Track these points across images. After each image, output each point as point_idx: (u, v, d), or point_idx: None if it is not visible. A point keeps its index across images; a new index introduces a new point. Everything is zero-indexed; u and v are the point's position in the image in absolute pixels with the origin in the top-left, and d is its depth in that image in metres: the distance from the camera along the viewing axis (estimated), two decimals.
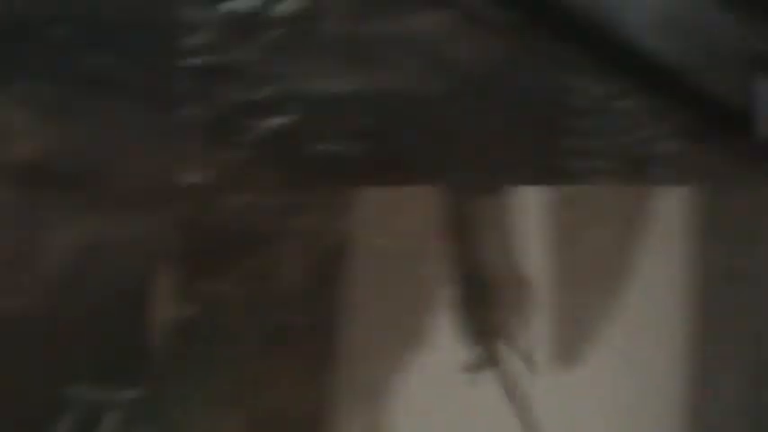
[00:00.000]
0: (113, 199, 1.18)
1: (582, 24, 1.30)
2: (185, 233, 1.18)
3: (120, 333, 1.16)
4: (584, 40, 1.31)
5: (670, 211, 1.29)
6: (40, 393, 1.13)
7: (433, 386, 1.22)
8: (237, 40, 1.20)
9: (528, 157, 1.29)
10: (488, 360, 1.23)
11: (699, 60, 1.33)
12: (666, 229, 1.29)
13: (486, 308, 1.23)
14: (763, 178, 1.31)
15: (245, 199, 1.20)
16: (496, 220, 1.26)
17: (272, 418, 1.19)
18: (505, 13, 1.28)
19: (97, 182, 1.18)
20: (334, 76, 1.23)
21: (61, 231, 1.16)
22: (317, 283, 1.21)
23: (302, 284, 1.21)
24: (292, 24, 1.21)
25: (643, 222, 1.29)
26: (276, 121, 1.21)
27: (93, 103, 1.19)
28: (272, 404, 1.19)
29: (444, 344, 1.23)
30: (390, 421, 1.22)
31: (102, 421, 1.12)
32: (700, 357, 1.27)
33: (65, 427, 1.12)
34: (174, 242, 1.18)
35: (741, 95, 1.34)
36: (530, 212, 1.26)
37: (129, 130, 1.19)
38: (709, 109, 1.34)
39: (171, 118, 1.19)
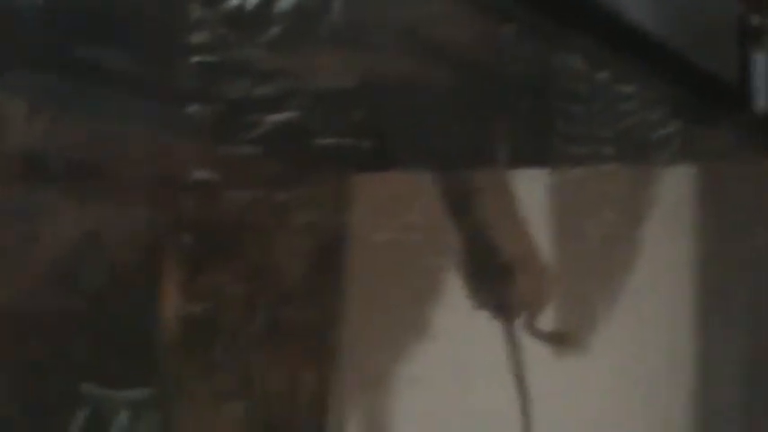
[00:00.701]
0: (117, 192, 1.19)
1: (573, 4, 1.30)
2: (190, 228, 1.20)
3: (126, 330, 1.18)
4: (576, 20, 1.31)
5: (672, 193, 1.31)
6: (49, 389, 1.15)
7: (436, 375, 1.26)
8: (241, 37, 1.20)
9: (528, 141, 1.30)
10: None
11: (691, 36, 1.33)
12: (669, 212, 1.30)
13: (498, 284, 1.25)
14: (761, 152, 1.32)
15: (248, 194, 1.21)
16: (501, 201, 1.28)
17: (273, 408, 1.22)
18: None
19: (100, 175, 1.19)
20: (335, 70, 1.23)
21: (62, 224, 1.17)
22: (318, 276, 1.24)
23: (303, 277, 1.23)
24: (294, 20, 1.21)
25: (646, 205, 1.31)
26: (280, 117, 1.22)
27: (95, 95, 1.19)
28: (273, 395, 1.22)
29: (447, 333, 1.26)
30: (392, 409, 1.26)
31: (114, 420, 1.15)
32: (703, 339, 1.29)
33: (78, 425, 1.15)
34: (179, 237, 1.20)
35: (736, 70, 1.35)
36: (533, 197, 1.28)
37: (134, 125, 1.20)
38: (705, 86, 1.35)
39: (176, 114, 1.19)
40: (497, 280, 1.24)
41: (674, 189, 1.29)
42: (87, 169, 1.18)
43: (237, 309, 1.19)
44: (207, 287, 1.19)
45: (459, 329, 1.27)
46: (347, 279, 1.23)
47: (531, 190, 1.26)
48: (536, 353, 1.26)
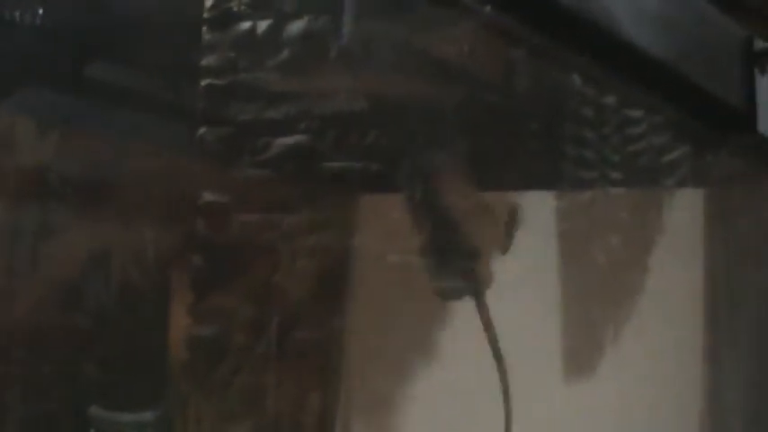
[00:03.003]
0: (127, 212, 1.20)
1: (576, 27, 1.30)
2: (199, 250, 1.20)
3: (134, 351, 1.19)
4: (581, 44, 1.31)
5: (681, 217, 1.30)
6: (56, 411, 1.16)
7: (441, 397, 1.26)
8: (251, 60, 1.21)
9: (537, 164, 1.30)
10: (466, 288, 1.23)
11: (696, 60, 1.33)
12: (678, 236, 1.30)
13: (464, 261, 1.23)
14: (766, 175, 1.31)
15: (257, 216, 1.22)
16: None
17: (280, 429, 1.23)
18: (510, 21, 1.28)
19: (109, 194, 1.19)
20: (344, 93, 1.24)
21: (71, 243, 1.18)
22: (324, 297, 1.24)
23: (310, 298, 1.24)
24: (303, 44, 1.22)
25: (654, 229, 1.30)
26: (290, 140, 1.22)
27: (106, 114, 1.20)
28: (280, 415, 1.22)
29: (453, 355, 1.26)
30: (397, 430, 1.26)
31: None
32: (710, 363, 1.28)
33: None
34: (189, 259, 1.20)
35: (741, 94, 1.34)
36: (541, 220, 1.27)
37: (145, 144, 1.20)
38: (711, 109, 1.35)
39: (186, 135, 1.20)
40: (464, 258, 1.23)
41: (683, 213, 1.29)
42: (97, 188, 1.18)
43: (245, 330, 1.20)
44: (215, 308, 1.19)
45: (466, 351, 1.28)
46: (354, 300, 1.24)
47: (540, 213, 1.26)
48: (544, 377, 1.26)
